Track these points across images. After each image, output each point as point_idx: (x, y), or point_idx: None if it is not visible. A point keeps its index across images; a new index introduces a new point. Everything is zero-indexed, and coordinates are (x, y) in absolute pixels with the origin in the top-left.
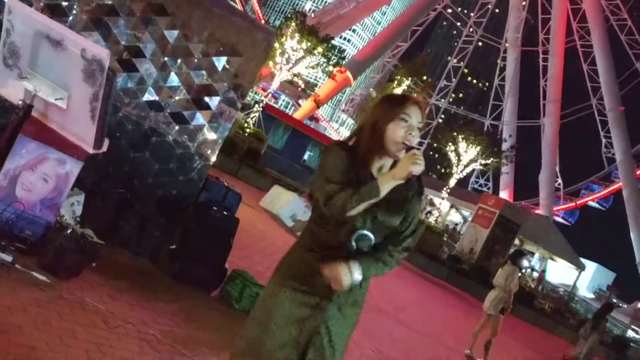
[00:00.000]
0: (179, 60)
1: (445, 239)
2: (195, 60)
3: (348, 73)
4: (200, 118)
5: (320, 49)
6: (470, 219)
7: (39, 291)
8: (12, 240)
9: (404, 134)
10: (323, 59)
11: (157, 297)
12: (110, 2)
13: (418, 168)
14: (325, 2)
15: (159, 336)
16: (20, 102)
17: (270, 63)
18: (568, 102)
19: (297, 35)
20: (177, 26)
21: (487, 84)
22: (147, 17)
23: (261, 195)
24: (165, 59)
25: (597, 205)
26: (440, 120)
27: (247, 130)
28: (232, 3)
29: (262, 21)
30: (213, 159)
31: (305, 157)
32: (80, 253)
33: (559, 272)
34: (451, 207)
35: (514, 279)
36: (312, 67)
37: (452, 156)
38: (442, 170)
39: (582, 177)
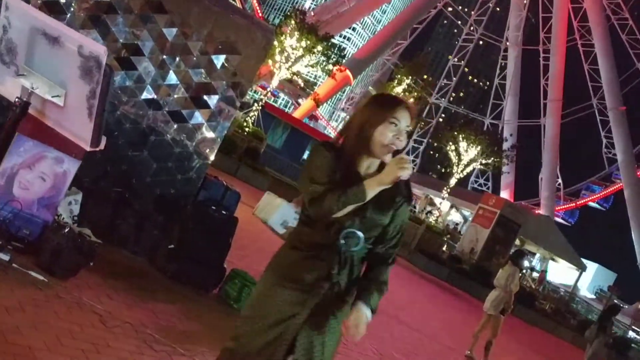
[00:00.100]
0: (177, 59)
1: (445, 239)
2: (194, 59)
3: (348, 72)
4: (198, 117)
5: (319, 48)
6: (470, 218)
7: (37, 290)
8: (10, 239)
9: (392, 138)
10: (323, 58)
11: (155, 297)
12: (108, 0)
13: (406, 173)
14: None
15: (157, 336)
16: (17, 100)
17: (270, 61)
18: (568, 101)
19: (296, 34)
20: (175, 24)
21: (487, 83)
22: (145, 14)
23: (260, 194)
24: (164, 57)
25: (597, 205)
26: (441, 120)
27: (246, 129)
28: (231, 1)
29: (261, 19)
30: (212, 157)
31: (305, 156)
32: (78, 252)
33: (560, 272)
34: (451, 206)
35: (515, 280)
36: (312, 66)
37: (453, 156)
38: (443, 170)
39: (582, 177)
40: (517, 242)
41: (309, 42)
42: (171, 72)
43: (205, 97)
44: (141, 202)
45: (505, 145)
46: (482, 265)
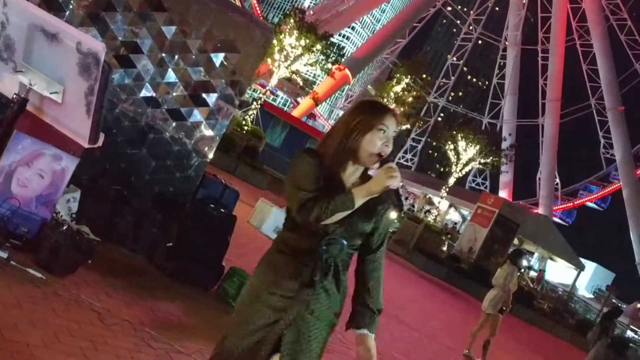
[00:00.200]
0: (176, 57)
1: (444, 238)
2: (193, 57)
3: (347, 71)
4: (197, 115)
5: (319, 46)
6: (469, 218)
7: (35, 288)
8: (8, 236)
9: (381, 146)
10: (322, 57)
11: (153, 295)
12: None
13: (395, 182)
14: None
15: (155, 333)
16: (14, 96)
17: (269, 60)
18: (566, 101)
19: (295, 32)
20: (174, 22)
21: (486, 82)
22: (144, 12)
23: (259, 193)
24: (163, 55)
25: (594, 205)
26: (440, 119)
27: (245, 127)
28: None
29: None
30: (210, 156)
31: None
32: (76, 250)
33: (558, 271)
34: (450, 206)
35: (513, 279)
36: (311, 65)
37: (452, 155)
38: (441, 169)
39: (579, 177)
40: (516, 241)
41: (308, 40)
42: (170, 70)
43: (204, 95)
44: (140, 200)
45: (504, 145)
46: (480, 264)
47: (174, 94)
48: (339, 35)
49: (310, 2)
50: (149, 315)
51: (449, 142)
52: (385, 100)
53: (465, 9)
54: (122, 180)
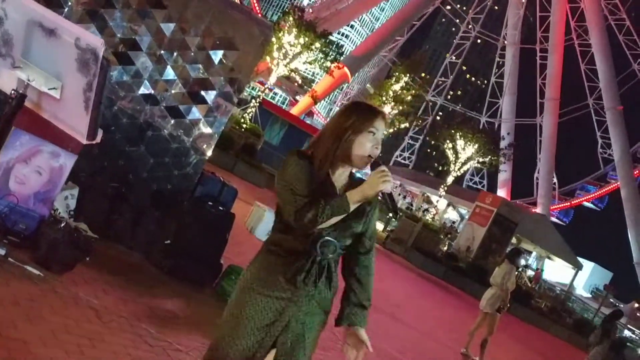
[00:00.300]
0: (175, 54)
1: (442, 237)
2: (192, 54)
3: (346, 69)
4: (196, 112)
5: (317, 45)
6: (467, 217)
7: (32, 285)
8: (6, 233)
9: (371, 148)
10: (321, 55)
11: (151, 292)
12: None
13: (388, 185)
14: None
15: (153, 331)
16: (13, 92)
17: (268, 58)
18: (564, 101)
19: (294, 30)
20: (173, 19)
21: (485, 81)
22: (143, 9)
23: (257, 191)
24: (162, 52)
25: (592, 205)
26: (438, 118)
27: (244, 125)
28: None
29: (260, 15)
30: (209, 153)
31: None
32: (74, 247)
33: (556, 271)
34: (448, 205)
35: (511, 278)
36: (310, 63)
37: (450, 154)
38: (440, 168)
39: (577, 177)
40: (514, 240)
41: (307, 38)
42: (169, 67)
43: (202, 92)
44: (138, 197)
45: (502, 144)
46: (478, 263)
47: (173, 91)
48: (338, 33)
49: (309, 0)
50: (147, 312)
51: (448, 141)
52: (384, 98)
53: (464, 8)
54: (120, 177)
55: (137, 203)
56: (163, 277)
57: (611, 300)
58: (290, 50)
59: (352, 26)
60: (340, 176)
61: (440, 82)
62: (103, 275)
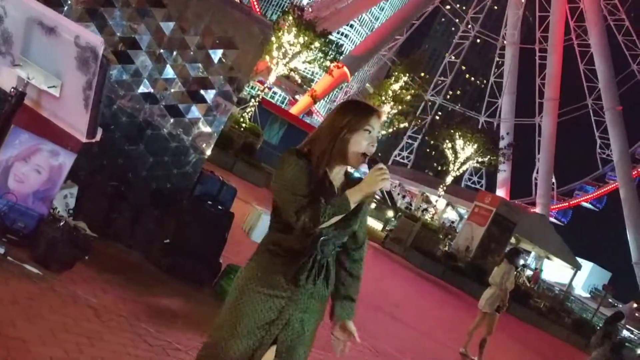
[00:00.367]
0: (174, 53)
1: (441, 236)
2: (191, 53)
3: (345, 69)
4: (195, 111)
5: (317, 44)
6: (466, 216)
7: (31, 284)
8: (4, 232)
9: (367, 146)
10: (320, 54)
11: (150, 291)
12: None
13: (387, 183)
14: None
15: (152, 330)
16: (12, 90)
17: (267, 57)
18: (563, 101)
19: (294, 30)
20: (173, 18)
21: (484, 81)
22: (143, 8)
23: (256, 190)
24: (161, 51)
25: (590, 206)
26: (437, 118)
27: (243, 125)
28: None
29: (259, 14)
30: (208, 152)
31: None
32: (73, 246)
33: (555, 271)
34: (447, 204)
35: (510, 278)
36: (309, 62)
37: (449, 153)
38: (439, 168)
39: (575, 177)
40: (513, 240)
41: (306, 38)
42: (168, 66)
43: (202, 91)
44: (137, 196)
45: (501, 144)
46: (477, 263)
47: (172, 90)
48: (338, 33)
49: (309, 0)
50: (146, 311)
51: (447, 141)
52: (383, 98)
53: (463, 8)
54: (120, 176)
55: (137, 202)
56: (162, 276)
57: (610, 300)
58: (290, 49)
59: (351, 26)
60: (337, 175)
61: (440, 81)
62: (102, 274)
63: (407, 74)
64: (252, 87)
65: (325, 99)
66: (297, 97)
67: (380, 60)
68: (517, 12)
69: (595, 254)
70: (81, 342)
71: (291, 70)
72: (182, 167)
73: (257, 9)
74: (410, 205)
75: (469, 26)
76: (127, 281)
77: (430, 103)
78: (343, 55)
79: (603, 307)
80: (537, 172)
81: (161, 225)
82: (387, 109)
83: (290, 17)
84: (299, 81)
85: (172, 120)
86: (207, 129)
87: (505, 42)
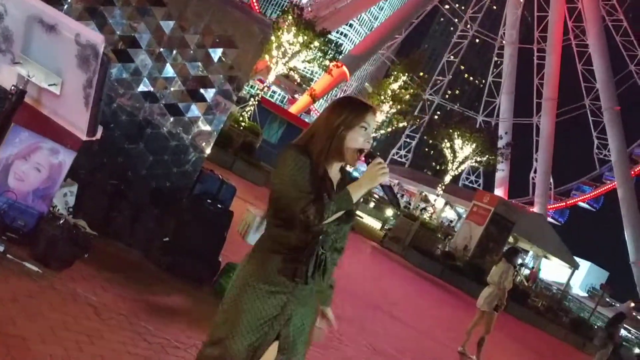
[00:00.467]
0: (174, 52)
1: (440, 235)
2: (191, 52)
3: (344, 68)
4: (195, 110)
5: (316, 43)
6: (464, 216)
7: (31, 282)
8: (4, 230)
9: (363, 142)
10: (319, 54)
11: (149, 289)
12: None
13: (386, 178)
14: None
15: (151, 328)
16: (13, 88)
17: (267, 56)
18: (562, 101)
19: (293, 29)
20: (173, 17)
21: (483, 81)
22: (143, 7)
23: (256, 189)
24: (161, 49)
25: (587, 206)
26: (436, 117)
27: (243, 124)
28: None
29: (259, 13)
30: (208, 151)
31: None
32: (73, 244)
33: (553, 270)
34: (446, 204)
35: (508, 277)
36: (309, 62)
37: (448, 153)
38: (437, 167)
39: (572, 177)
40: (511, 239)
41: (306, 37)
42: (168, 65)
43: (202, 90)
44: (137, 194)
45: (500, 144)
46: (475, 262)
47: (172, 89)
48: (337, 32)
49: None
50: (145, 309)
51: (445, 140)
52: (382, 97)
53: (462, 7)
54: (120, 174)
55: (136, 200)
56: (162, 274)
57: (607, 299)
58: (289, 48)
59: (351, 25)
60: (334, 172)
61: (438, 80)
62: (102, 272)
63: (406, 74)
64: (251, 86)
65: (325, 98)
66: (296, 96)
67: (379, 60)
68: (516, 11)
69: (593, 253)
70: (81, 340)
71: (290, 69)
72: (182, 165)
73: (257, 8)
74: (409, 204)
75: (468, 26)
76: (127, 279)
77: (428, 102)
78: (342, 55)
79: (600, 307)
80: (534, 172)
81: (161, 223)
82: (386, 109)
83: (290, 17)
84: (299, 80)
85: (171, 119)
86: (206, 128)
87: (503, 41)
